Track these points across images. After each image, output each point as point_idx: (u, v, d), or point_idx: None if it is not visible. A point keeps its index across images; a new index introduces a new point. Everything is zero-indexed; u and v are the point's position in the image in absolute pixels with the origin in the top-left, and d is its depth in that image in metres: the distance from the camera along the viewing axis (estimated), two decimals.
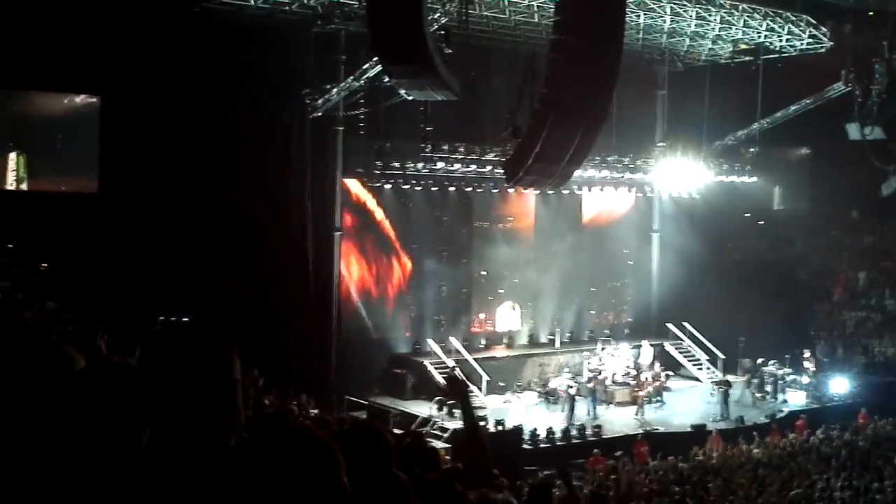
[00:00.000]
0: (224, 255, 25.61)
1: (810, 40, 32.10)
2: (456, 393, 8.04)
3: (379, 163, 28.92)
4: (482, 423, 25.02)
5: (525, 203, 33.52)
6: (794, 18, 31.07)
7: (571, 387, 27.95)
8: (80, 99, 26.76)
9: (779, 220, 40.30)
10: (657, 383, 30.22)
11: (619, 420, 28.05)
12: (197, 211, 25.42)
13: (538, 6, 27.71)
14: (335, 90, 27.18)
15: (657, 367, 31.57)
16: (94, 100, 26.23)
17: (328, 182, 28.58)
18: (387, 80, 24.06)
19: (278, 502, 2.19)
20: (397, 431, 23.18)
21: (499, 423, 25.35)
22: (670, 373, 31.79)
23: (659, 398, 29.92)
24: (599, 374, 30.15)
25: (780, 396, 31.46)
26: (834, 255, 42.60)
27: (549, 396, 28.84)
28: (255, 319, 25.48)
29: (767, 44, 32.26)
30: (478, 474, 6.18)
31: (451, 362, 29.14)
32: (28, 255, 22.68)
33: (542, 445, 25.31)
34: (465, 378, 8.23)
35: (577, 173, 26.59)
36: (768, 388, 31.79)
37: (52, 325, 12.64)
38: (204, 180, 25.61)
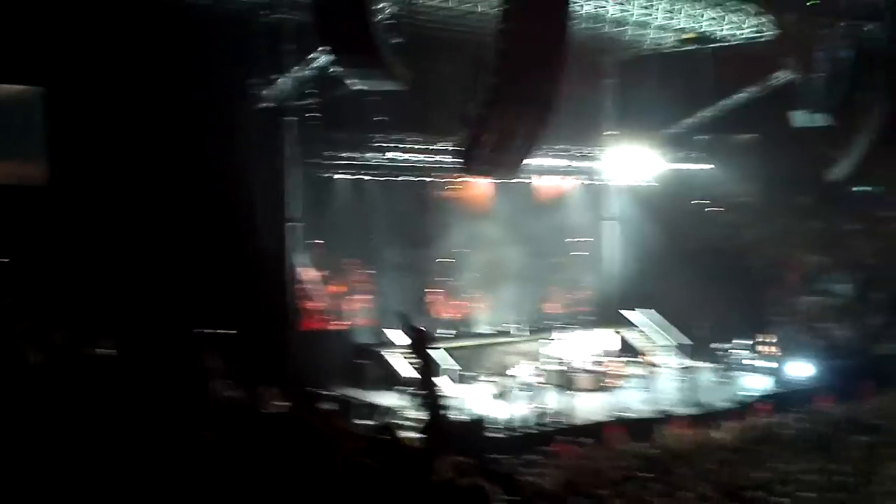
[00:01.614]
0: (175, 247, 25.42)
1: (755, 28, 32.51)
2: (418, 347, 7.95)
3: (328, 153, 28.90)
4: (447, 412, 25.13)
5: (480, 192, 33.61)
6: (738, 6, 31.43)
7: (533, 374, 28.06)
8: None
9: (732, 207, 40.75)
10: (623, 370, 30.39)
11: (583, 407, 28.19)
12: (146, 203, 25.20)
13: None
14: (284, 80, 27.12)
15: (619, 354, 31.81)
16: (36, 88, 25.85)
17: (278, 173, 28.48)
18: (336, 69, 24.13)
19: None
20: (364, 422, 23.28)
21: (462, 411, 25.41)
22: (630, 359, 32.02)
23: (624, 384, 30.09)
24: (563, 361, 30.34)
25: (742, 382, 31.80)
26: (787, 242, 43.16)
27: (513, 385, 28.96)
28: (211, 313, 25.38)
29: (711, 33, 32.63)
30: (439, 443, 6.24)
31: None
32: None
33: (506, 434, 25.35)
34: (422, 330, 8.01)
35: (530, 162, 26.78)
36: (730, 373, 32.14)
37: (8, 321, 12.55)
38: (152, 172, 25.36)
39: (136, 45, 24.23)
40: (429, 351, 9.61)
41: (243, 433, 2.41)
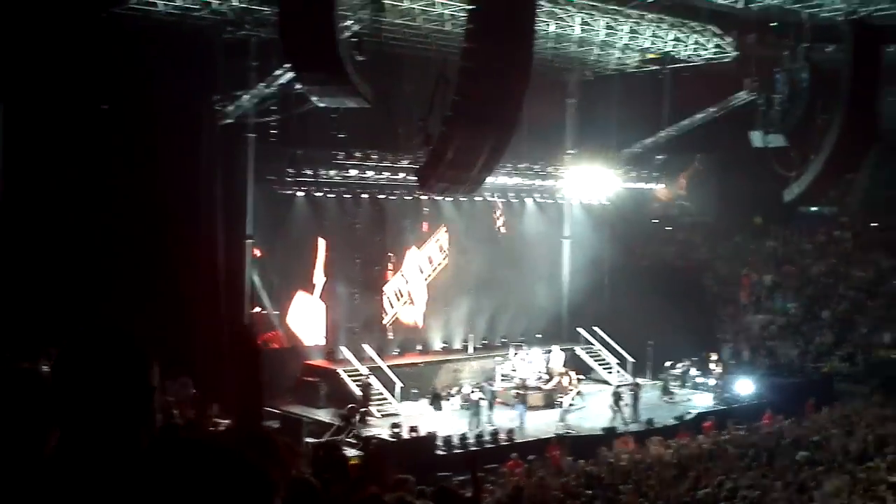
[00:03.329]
0: (133, 263, 25.14)
1: (715, 50, 32.87)
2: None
3: (291, 170, 28.76)
4: (396, 430, 25.12)
5: (438, 210, 33.60)
6: (699, 28, 31.76)
7: (475, 392, 28.03)
8: None
9: (685, 226, 41.12)
10: (573, 387, 30.45)
11: (532, 424, 28.26)
12: (106, 218, 24.91)
13: (450, 14, 27.84)
14: (246, 97, 26.94)
15: (570, 371, 31.91)
16: None
17: (239, 189, 28.22)
18: (298, 87, 24.02)
19: None
20: (311, 441, 23.14)
21: (413, 429, 25.39)
22: (582, 377, 32.14)
23: (574, 401, 30.18)
24: (514, 378, 30.38)
25: (688, 398, 32.12)
26: (738, 261, 43.66)
27: (463, 401, 28.99)
28: (165, 329, 25.10)
29: (674, 53, 32.95)
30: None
31: (364, 369, 29.13)
32: None
33: (456, 451, 25.36)
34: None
35: (489, 180, 26.83)
36: (676, 390, 32.43)
37: None
38: (112, 187, 25.08)
39: (96, 62, 23.96)
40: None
41: (185, 450, 2.36)
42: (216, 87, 27.03)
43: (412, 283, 33.43)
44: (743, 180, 38.34)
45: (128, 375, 2.55)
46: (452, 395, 29.82)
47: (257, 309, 29.45)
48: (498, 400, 29.29)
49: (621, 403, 29.55)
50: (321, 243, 30.88)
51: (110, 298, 23.79)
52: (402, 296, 33.17)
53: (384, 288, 32.62)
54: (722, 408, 31.17)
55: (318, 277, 30.79)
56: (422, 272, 33.59)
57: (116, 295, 24.19)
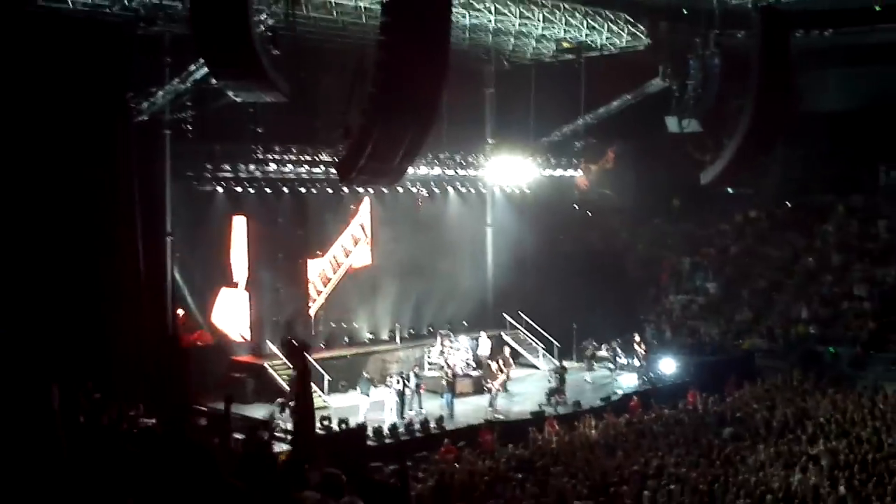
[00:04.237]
0: (51, 263, 24.73)
1: (629, 38, 33.36)
2: (293, 358, 7.94)
3: (209, 166, 28.53)
4: (326, 423, 25.09)
5: (361, 201, 33.60)
6: (612, 17, 32.20)
7: (399, 382, 28.07)
8: None
9: (606, 211, 41.65)
10: (501, 372, 30.58)
11: (462, 411, 28.45)
12: (20, 218, 24.43)
13: (365, 7, 27.85)
14: (161, 93, 26.63)
15: (504, 356, 32.13)
16: None
17: (157, 186, 27.89)
18: (214, 82, 23.83)
19: None
20: (239, 437, 22.99)
21: (342, 421, 25.39)
22: (509, 362, 32.36)
23: (502, 387, 30.34)
24: (442, 366, 30.49)
25: (614, 379, 32.63)
26: (658, 244, 44.41)
27: (392, 391, 28.98)
28: (87, 329, 24.80)
29: (589, 42, 33.36)
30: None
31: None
32: None
33: (386, 441, 25.43)
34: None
35: (410, 171, 26.92)
36: (602, 371, 32.88)
37: None
38: (27, 186, 24.60)
39: (10, 59, 23.48)
40: (304, 361, 9.57)
41: (115, 451, 2.44)
42: (130, 85, 26.64)
43: (337, 270, 33.29)
44: (660, 165, 39.03)
45: (27, 405, 2.59)
46: (380, 384, 29.79)
47: (180, 311, 29.16)
48: (426, 388, 29.44)
49: (552, 386, 30.00)
50: (242, 240, 30.62)
51: (27, 301, 23.42)
52: (328, 282, 33.02)
53: (309, 276, 32.54)
54: (647, 387, 31.75)
55: (241, 273, 30.58)
56: (347, 256, 33.47)
57: (34, 297, 23.82)
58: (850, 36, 43.27)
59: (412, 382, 28.46)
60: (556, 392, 29.59)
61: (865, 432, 23.61)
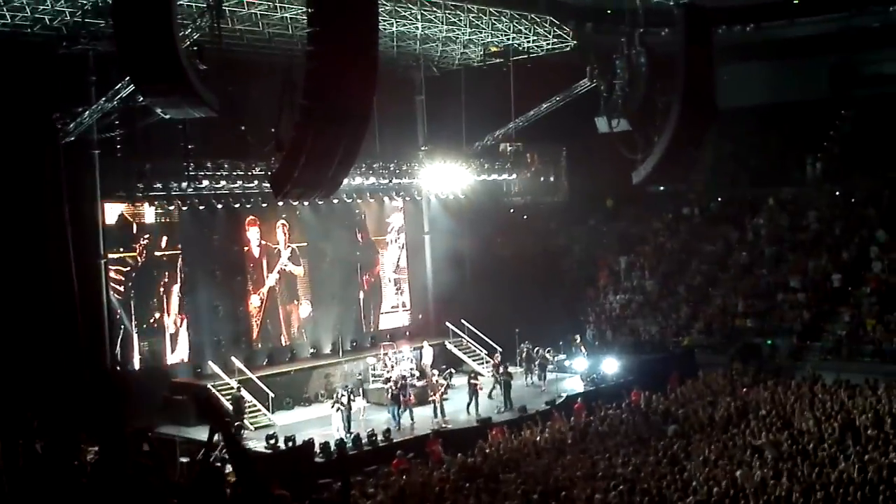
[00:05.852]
0: None
1: (555, 40, 33.60)
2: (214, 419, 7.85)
3: (140, 184, 27.99)
4: (272, 442, 24.79)
5: (296, 215, 33.33)
6: (538, 20, 32.41)
7: (343, 395, 27.81)
8: None
9: (541, 214, 41.85)
10: (445, 381, 30.44)
11: (409, 422, 28.22)
12: None
13: (291, 18, 27.67)
14: (87, 113, 26.13)
15: (441, 365, 32.05)
16: None
17: (88, 208, 27.36)
18: (141, 99, 23.46)
19: None
20: (185, 460, 22.61)
21: (289, 439, 25.08)
22: (453, 370, 32.30)
23: (447, 396, 30.16)
24: (386, 378, 30.24)
25: (557, 382, 32.64)
26: (594, 244, 44.77)
27: (336, 406, 28.72)
28: (21, 358, 24.24)
29: (516, 45, 33.53)
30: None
31: (234, 383, 28.69)
32: None
33: (334, 458, 25.13)
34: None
35: (345, 181, 26.74)
36: (544, 375, 32.88)
37: None
38: None
39: None
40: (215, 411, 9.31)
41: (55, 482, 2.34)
42: (56, 105, 26.13)
43: (277, 291, 33.01)
44: (593, 166, 39.33)
45: None
46: (327, 400, 29.51)
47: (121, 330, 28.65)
48: (371, 401, 29.19)
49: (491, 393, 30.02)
50: (177, 258, 30.20)
51: None
52: (266, 298, 32.70)
53: (249, 291, 32.21)
54: (590, 389, 31.80)
55: (177, 293, 30.14)
56: (285, 268, 33.21)
57: None
58: (771, 30, 44.26)
59: (355, 396, 28.27)
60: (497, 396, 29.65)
61: (806, 423, 23.95)
